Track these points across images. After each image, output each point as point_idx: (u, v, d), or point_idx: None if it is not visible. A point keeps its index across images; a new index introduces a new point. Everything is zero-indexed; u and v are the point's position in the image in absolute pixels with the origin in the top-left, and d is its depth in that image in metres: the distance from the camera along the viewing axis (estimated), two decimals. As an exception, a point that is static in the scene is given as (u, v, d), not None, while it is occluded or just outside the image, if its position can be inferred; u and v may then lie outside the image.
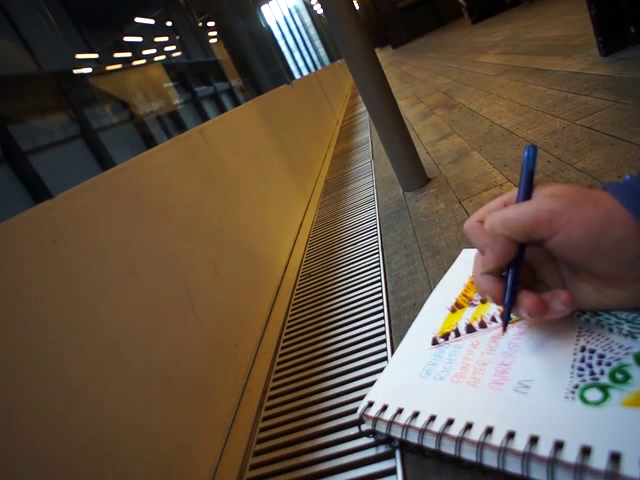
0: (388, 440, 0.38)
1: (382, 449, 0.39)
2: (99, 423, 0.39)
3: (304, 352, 0.61)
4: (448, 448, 0.32)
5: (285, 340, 0.67)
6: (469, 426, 0.32)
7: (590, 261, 0.31)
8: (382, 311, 0.61)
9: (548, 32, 2.25)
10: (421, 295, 0.59)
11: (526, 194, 0.34)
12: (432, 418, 0.34)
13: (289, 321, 0.72)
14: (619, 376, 0.30)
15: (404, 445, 0.36)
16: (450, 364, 0.39)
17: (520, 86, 1.43)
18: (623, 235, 0.29)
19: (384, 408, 0.38)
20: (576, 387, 0.31)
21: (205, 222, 0.72)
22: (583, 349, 0.33)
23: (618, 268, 0.30)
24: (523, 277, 0.35)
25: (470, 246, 0.56)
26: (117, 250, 0.50)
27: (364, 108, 2.50)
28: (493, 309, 0.43)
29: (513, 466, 0.29)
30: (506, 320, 0.35)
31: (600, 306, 0.35)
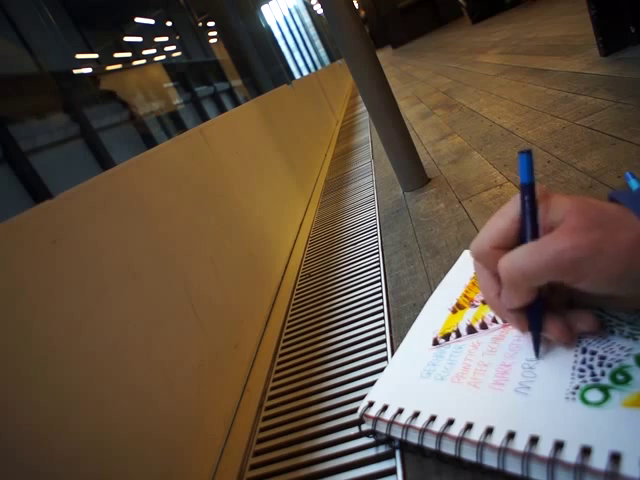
0: (388, 440, 0.38)
1: (382, 449, 0.39)
2: (99, 423, 0.39)
3: (304, 352, 0.61)
4: (448, 448, 0.32)
5: (285, 340, 0.67)
6: (469, 426, 0.32)
7: (610, 292, 0.30)
8: (382, 311, 0.61)
9: (548, 32, 2.25)
10: (421, 295, 0.59)
11: (533, 220, 0.32)
12: (432, 418, 0.34)
13: (289, 321, 0.72)
14: (620, 377, 0.30)
15: (404, 445, 0.36)
16: (451, 365, 0.39)
17: (520, 86, 1.42)
18: None
19: (384, 408, 0.38)
20: (577, 388, 0.31)
21: (205, 222, 0.72)
22: (584, 351, 0.33)
23: (637, 291, 0.29)
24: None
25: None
26: (117, 250, 0.50)
27: (364, 108, 2.50)
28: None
29: (513, 466, 0.29)
30: (537, 348, 0.35)
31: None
